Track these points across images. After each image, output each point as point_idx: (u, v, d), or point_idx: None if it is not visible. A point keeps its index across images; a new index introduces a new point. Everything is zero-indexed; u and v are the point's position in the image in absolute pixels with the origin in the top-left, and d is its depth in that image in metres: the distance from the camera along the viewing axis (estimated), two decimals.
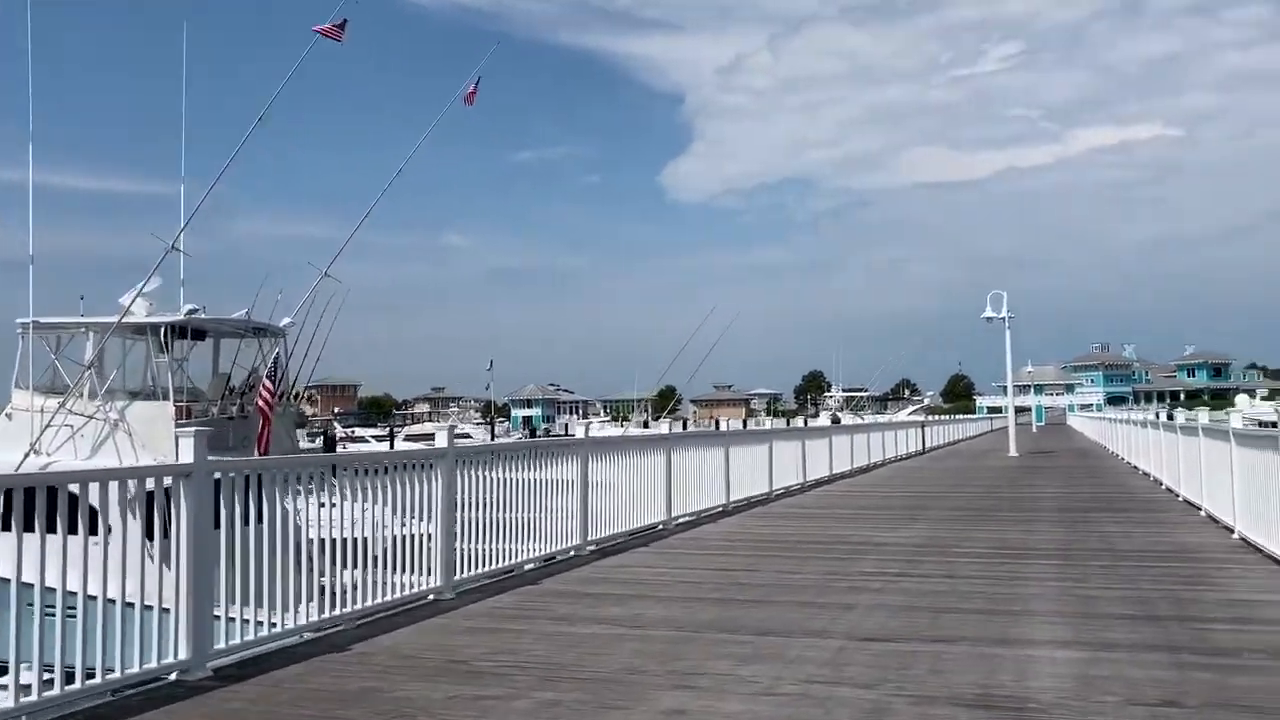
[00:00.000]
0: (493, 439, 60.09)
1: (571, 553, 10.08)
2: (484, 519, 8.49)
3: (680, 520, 13.12)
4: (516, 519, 9.11)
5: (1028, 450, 35.06)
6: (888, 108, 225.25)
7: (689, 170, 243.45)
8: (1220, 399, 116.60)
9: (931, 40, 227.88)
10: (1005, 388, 34.92)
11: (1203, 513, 13.07)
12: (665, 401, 67.13)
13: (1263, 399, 56.03)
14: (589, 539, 10.53)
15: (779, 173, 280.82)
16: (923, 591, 8.06)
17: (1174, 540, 10.97)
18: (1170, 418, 27.37)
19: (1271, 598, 7.53)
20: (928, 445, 37.57)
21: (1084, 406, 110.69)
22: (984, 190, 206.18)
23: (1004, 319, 31.60)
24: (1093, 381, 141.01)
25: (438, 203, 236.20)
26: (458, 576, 8.08)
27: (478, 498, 8.40)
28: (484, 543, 8.51)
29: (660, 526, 12.53)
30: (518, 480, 9.22)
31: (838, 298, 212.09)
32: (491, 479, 8.74)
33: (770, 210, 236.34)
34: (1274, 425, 12.52)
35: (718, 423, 78.70)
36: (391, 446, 48.38)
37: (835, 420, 40.25)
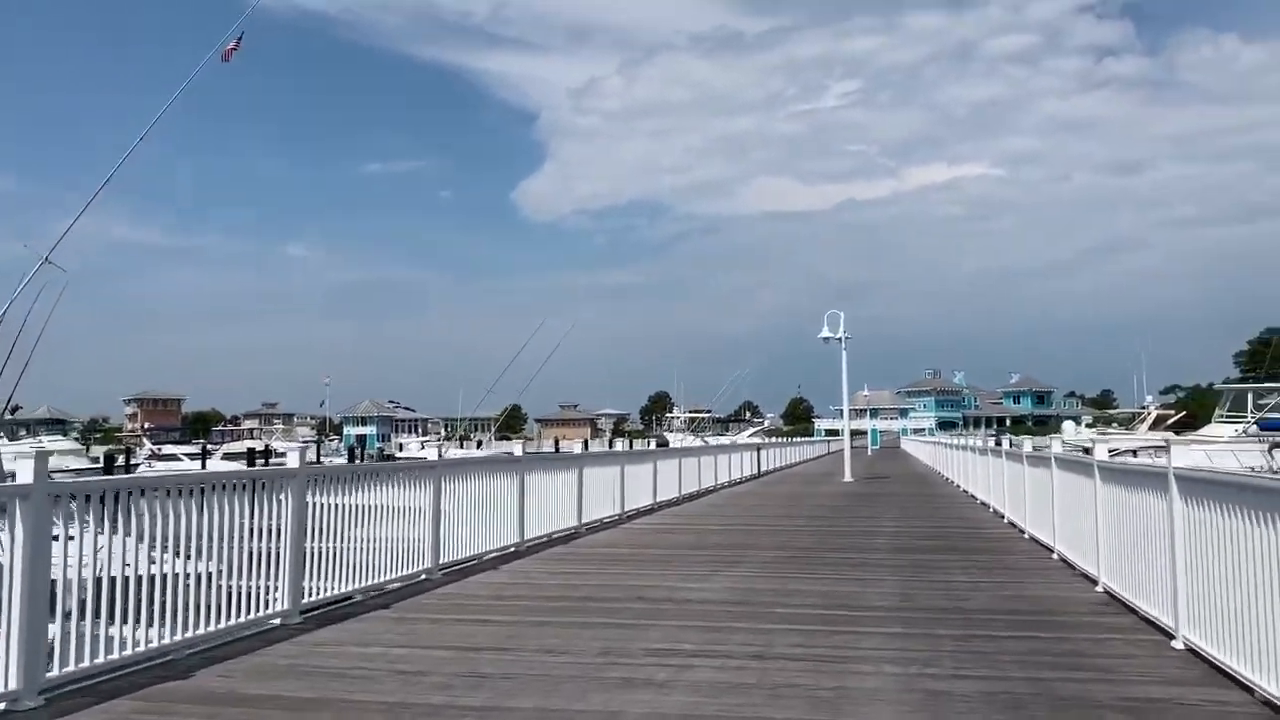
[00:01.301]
0: (318, 459, 55.89)
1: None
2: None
3: (448, 568, 10.64)
4: None
5: (863, 475, 33.99)
6: (736, 137, 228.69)
7: (541, 189, 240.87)
8: (1042, 425, 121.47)
9: (778, 74, 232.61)
10: (842, 410, 33.72)
11: (1055, 555, 11.46)
12: (512, 421, 64.21)
13: (1086, 426, 57.44)
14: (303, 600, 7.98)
15: (630, 196, 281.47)
16: (719, 685, 5.85)
17: (1031, 596, 9.15)
18: (997, 443, 26.64)
19: (1178, 693, 5.63)
20: (763, 469, 36.13)
21: (917, 431, 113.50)
22: (826, 220, 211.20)
23: (840, 339, 30.39)
24: (925, 407, 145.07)
25: (279, 212, 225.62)
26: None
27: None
28: None
29: (424, 578, 10.04)
30: None
31: (685, 321, 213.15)
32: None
33: (621, 233, 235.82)
34: (1134, 454, 11.05)
35: (557, 443, 76.22)
36: (204, 465, 43.89)
37: (662, 442, 38.40)
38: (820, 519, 17.66)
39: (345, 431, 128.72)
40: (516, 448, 14.80)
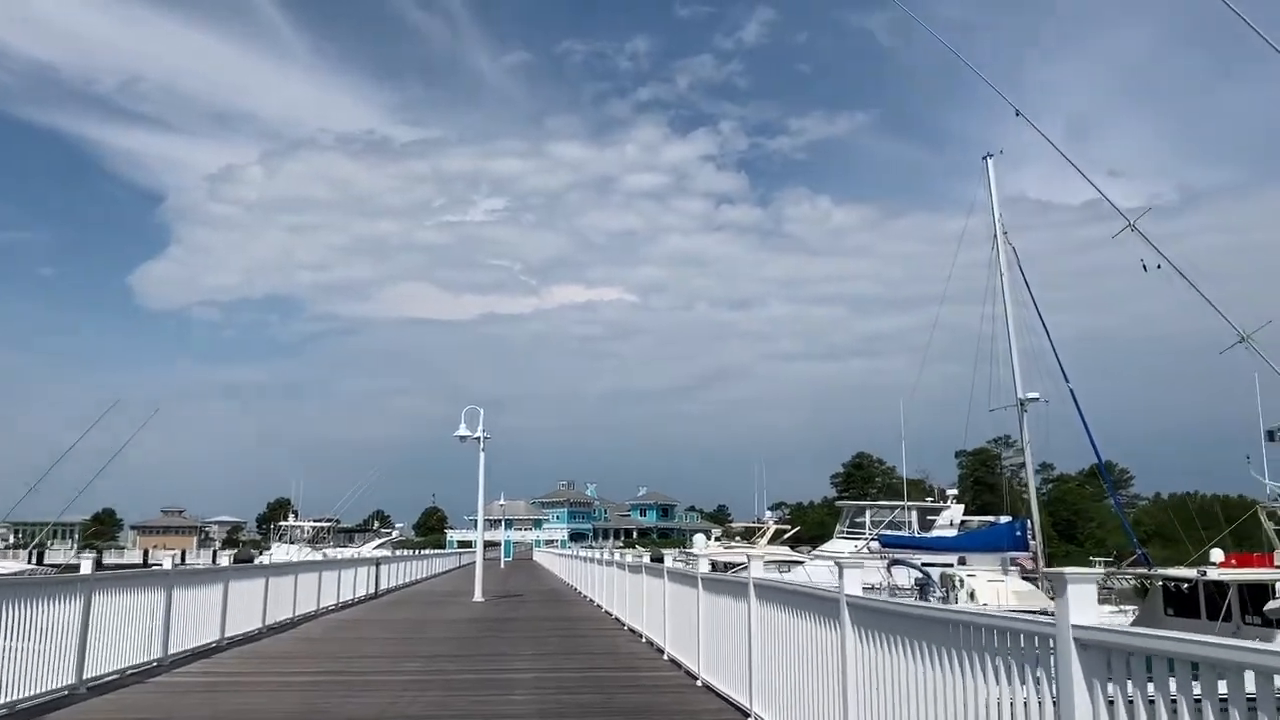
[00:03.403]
0: None
1: None
2: None
3: None
4: None
5: (495, 593, 30.46)
6: (379, 240, 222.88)
7: (164, 275, 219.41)
8: (666, 538, 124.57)
9: (426, 183, 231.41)
10: (478, 516, 30.08)
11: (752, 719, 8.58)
12: (103, 525, 54.34)
13: (716, 540, 57.93)
14: None
15: (264, 290, 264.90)
16: None
17: None
18: (656, 559, 24.40)
19: None
20: (382, 587, 31.56)
21: (549, 542, 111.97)
22: (468, 331, 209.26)
23: (479, 438, 27.07)
24: (559, 518, 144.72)
25: None
26: None
27: None
28: None
29: None
30: None
31: (317, 424, 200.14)
32: None
33: (252, 328, 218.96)
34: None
35: (146, 555, 65.96)
36: None
37: (245, 558, 32.72)
38: (441, 660, 13.87)
39: None
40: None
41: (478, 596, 27.09)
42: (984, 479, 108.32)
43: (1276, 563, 18.34)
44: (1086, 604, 3.46)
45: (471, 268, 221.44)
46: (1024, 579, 30.87)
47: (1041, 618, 3.60)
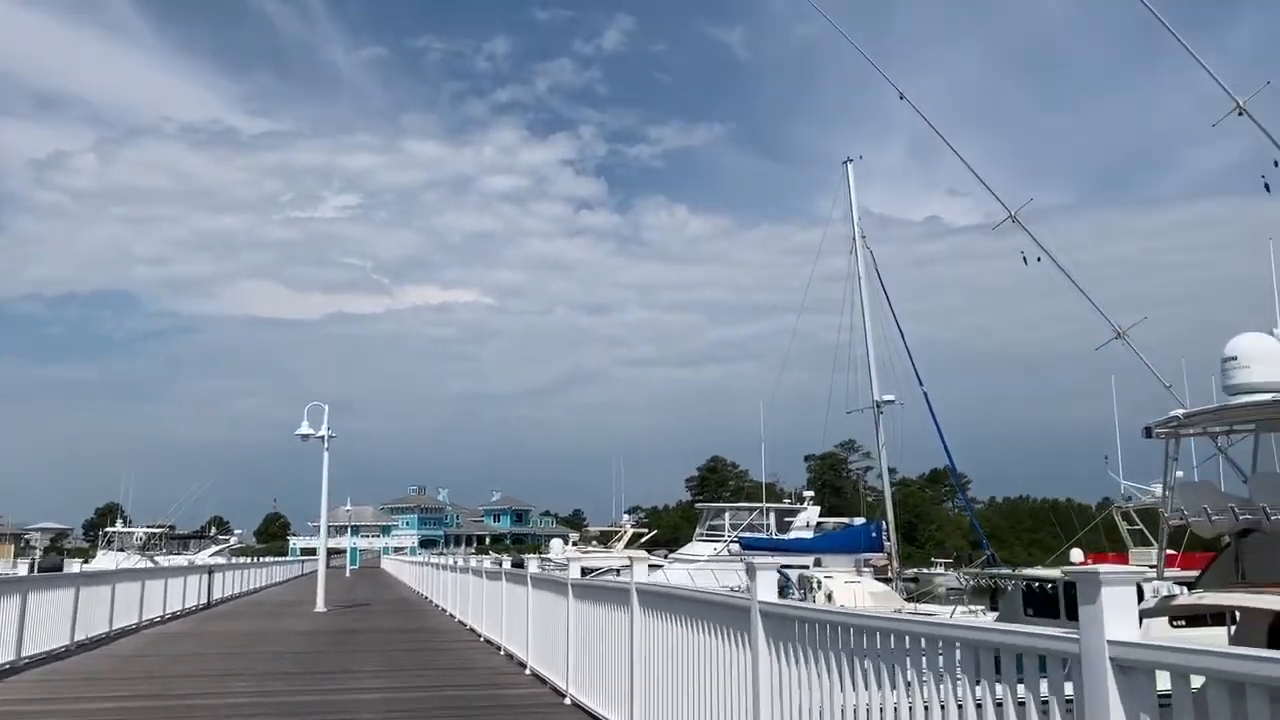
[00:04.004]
0: None
1: None
2: None
3: None
4: None
5: (340, 602, 28.68)
6: (223, 235, 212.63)
7: None
8: (520, 543, 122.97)
9: (274, 177, 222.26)
10: (321, 518, 28.20)
11: None
12: None
13: (573, 544, 56.97)
14: None
15: (95, 285, 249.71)
16: None
17: None
18: (518, 564, 23.27)
19: None
20: (215, 596, 29.32)
21: (398, 549, 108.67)
22: (317, 331, 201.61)
23: (323, 438, 25.34)
24: (408, 524, 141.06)
25: None
26: None
27: None
28: None
29: None
30: None
31: (154, 426, 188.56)
32: None
33: (81, 324, 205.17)
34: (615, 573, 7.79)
35: None
36: None
37: (51, 566, 29.93)
38: (275, 679, 12.42)
39: None
40: None
41: (320, 606, 25.35)
42: (831, 482, 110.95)
43: (1133, 563, 18.65)
44: (1124, 614, 2.64)
45: (321, 265, 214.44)
46: (877, 580, 31.09)
47: (1068, 633, 2.76)
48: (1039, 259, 15.14)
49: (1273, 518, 10.33)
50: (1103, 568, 2.63)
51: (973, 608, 26.02)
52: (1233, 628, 12.24)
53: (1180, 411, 11.48)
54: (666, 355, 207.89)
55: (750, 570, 5.15)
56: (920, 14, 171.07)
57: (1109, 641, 2.59)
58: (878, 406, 34.53)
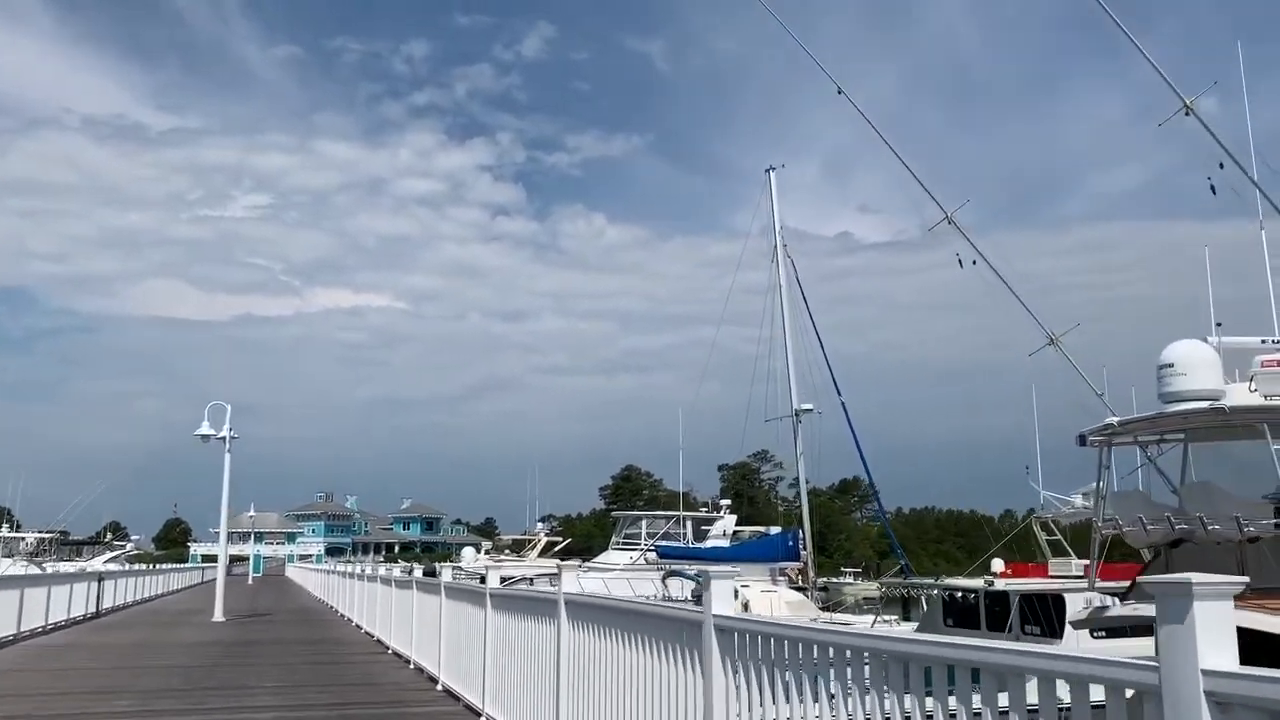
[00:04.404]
0: None
1: None
2: None
3: None
4: None
5: (240, 612, 27.34)
6: (127, 233, 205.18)
7: None
8: (431, 551, 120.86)
9: (182, 174, 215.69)
10: (221, 522, 26.77)
11: None
12: None
13: (485, 553, 55.80)
14: None
15: None
16: None
17: None
18: (430, 573, 22.31)
19: None
20: (105, 605, 27.74)
21: (304, 557, 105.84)
22: (223, 333, 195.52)
23: (225, 438, 24.10)
24: (315, 531, 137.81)
25: None
26: None
27: None
28: None
29: None
30: None
31: (49, 428, 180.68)
32: None
33: None
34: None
35: None
36: None
37: None
38: (163, 697, 11.44)
39: None
40: None
41: (218, 616, 24.08)
42: (744, 492, 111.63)
43: (1052, 573, 18.60)
44: (1221, 637, 2.10)
45: (230, 266, 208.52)
46: (792, 589, 30.86)
47: (1146, 661, 2.22)
48: (974, 262, 14.99)
49: (1209, 527, 10.19)
50: (1195, 576, 2.10)
51: (886, 617, 25.95)
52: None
53: (1115, 419, 11.32)
54: (581, 364, 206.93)
55: (706, 579, 4.49)
56: (839, 34, 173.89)
57: (1204, 672, 2.06)
58: (797, 415, 34.42)
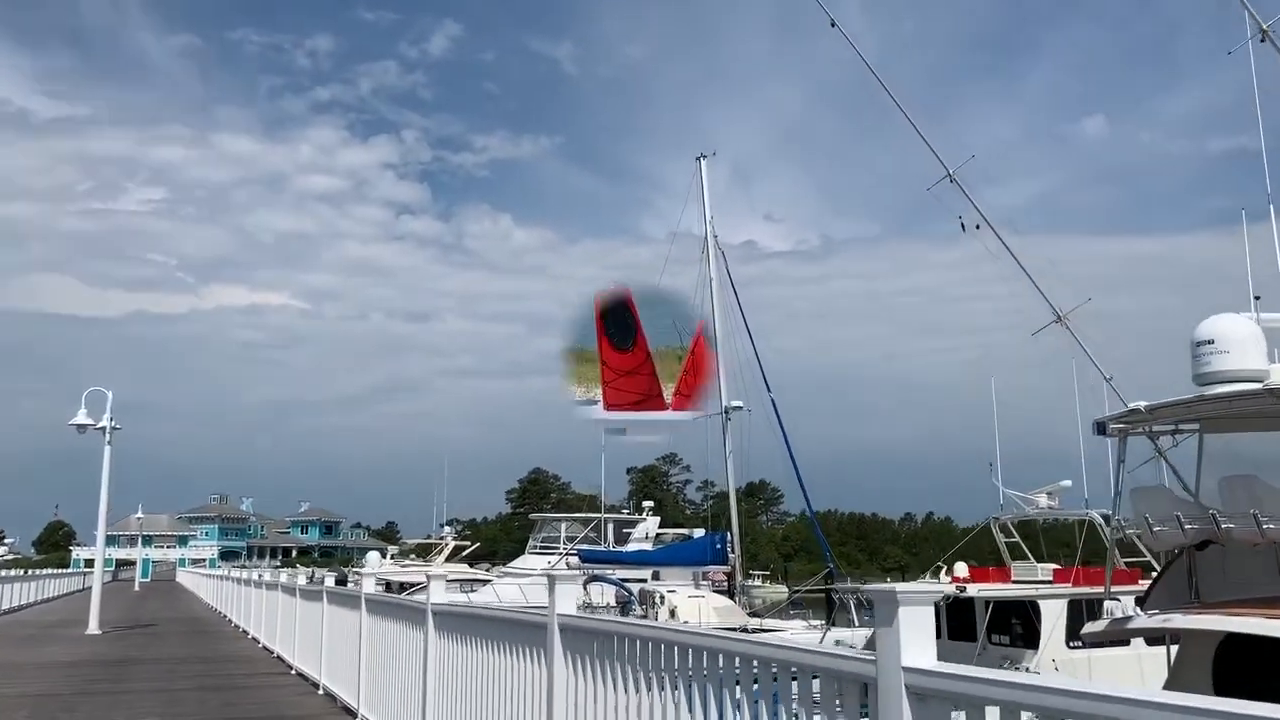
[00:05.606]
0: None
1: None
2: None
3: None
4: None
5: (120, 622, 24.65)
6: (10, 224, 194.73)
7: None
8: (329, 556, 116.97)
9: (70, 165, 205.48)
10: (99, 521, 23.90)
11: None
12: None
13: (391, 558, 53.26)
14: None
15: None
16: None
17: None
18: (341, 581, 20.31)
19: None
20: None
21: (196, 561, 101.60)
22: (115, 330, 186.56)
23: (105, 429, 21.48)
24: (208, 534, 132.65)
25: None
26: None
27: None
28: None
29: None
30: None
31: None
32: None
33: None
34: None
35: None
36: None
37: None
38: None
39: None
40: None
41: (93, 628, 21.46)
42: (652, 494, 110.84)
43: (1015, 577, 17.40)
44: (922, 637, 2.43)
45: (122, 261, 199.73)
46: (717, 593, 29.39)
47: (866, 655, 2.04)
48: (978, 226, 13.63)
49: (1265, 526, 8.86)
50: (900, 586, 2.51)
51: (812, 623, 24.67)
52: (1173, 649, 10.87)
53: (1142, 404, 9.97)
54: (488, 366, 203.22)
55: (550, 582, 5.06)
56: (741, 50, 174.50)
57: (905, 668, 2.41)
58: (726, 413, 33.21)
